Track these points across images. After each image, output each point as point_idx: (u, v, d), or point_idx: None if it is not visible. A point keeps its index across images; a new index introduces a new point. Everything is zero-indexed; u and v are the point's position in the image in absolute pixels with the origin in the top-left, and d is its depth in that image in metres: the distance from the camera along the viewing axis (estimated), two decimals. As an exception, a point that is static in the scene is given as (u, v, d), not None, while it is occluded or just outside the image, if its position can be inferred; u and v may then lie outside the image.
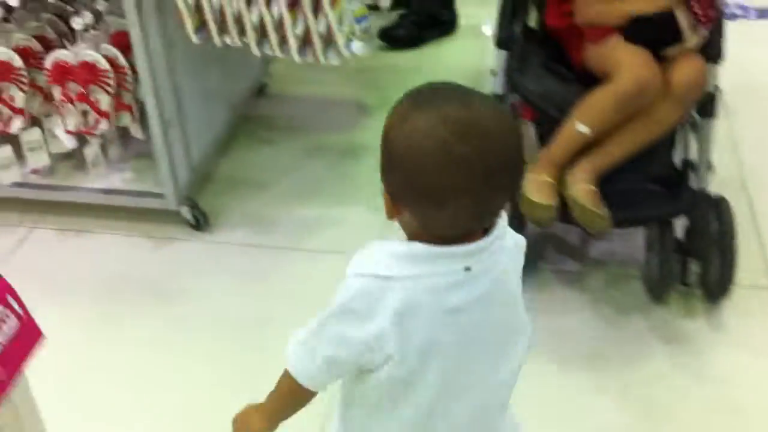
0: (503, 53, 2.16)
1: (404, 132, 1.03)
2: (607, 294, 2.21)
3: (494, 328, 1.13)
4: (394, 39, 3.34)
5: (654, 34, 1.99)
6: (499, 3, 2.22)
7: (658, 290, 2.11)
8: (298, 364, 1.16)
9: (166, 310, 2.21)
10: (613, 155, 1.99)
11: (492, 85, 2.19)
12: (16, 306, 1.13)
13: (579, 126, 1.96)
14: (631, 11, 2.00)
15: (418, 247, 1.06)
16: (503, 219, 1.10)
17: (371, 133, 2.86)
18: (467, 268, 1.06)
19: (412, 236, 1.09)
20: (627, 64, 1.95)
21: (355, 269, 1.08)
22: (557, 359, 2.03)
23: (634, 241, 2.26)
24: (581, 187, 1.97)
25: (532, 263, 2.22)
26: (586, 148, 1.99)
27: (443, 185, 1.01)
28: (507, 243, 1.11)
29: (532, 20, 2.32)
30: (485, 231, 1.08)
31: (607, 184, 2.00)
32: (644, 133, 1.97)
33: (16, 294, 1.15)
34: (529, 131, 2.17)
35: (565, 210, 2.01)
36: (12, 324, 1.13)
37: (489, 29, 2.47)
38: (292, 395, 1.20)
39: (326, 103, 3.06)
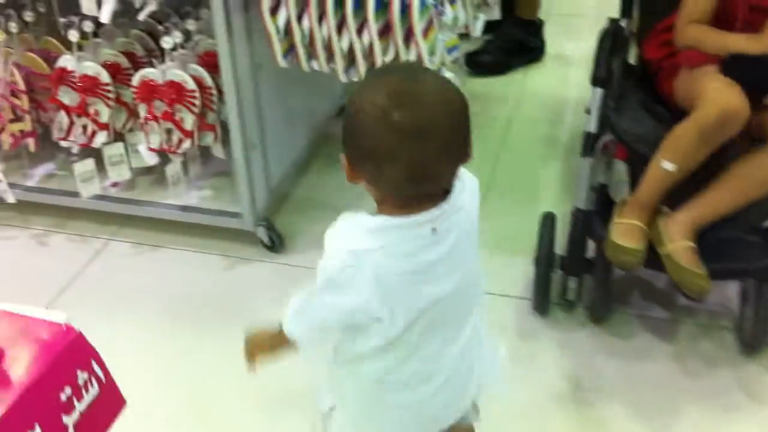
0: (599, 91, 2.09)
1: (356, 101, 1.17)
2: (695, 344, 2.11)
3: (465, 273, 1.27)
4: (480, 65, 3.28)
5: (756, 76, 1.87)
6: (597, 38, 2.15)
7: (751, 344, 2.01)
8: (295, 330, 1.34)
9: (235, 330, 2.17)
10: (715, 210, 1.89)
11: (585, 121, 2.12)
12: (100, 372, 1.09)
13: (664, 163, 1.87)
14: (732, 46, 1.88)
15: (385, 220, 1.20)
16: (461, 184, 1.23)
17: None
18: (433, 230, 1.20)
19: (378, 201, 1.23)
20: (712, 92, 1.82)
21: (332, 245, 1.22)
22: (631, 406, 1.95)
23: (727, 289, 2.18)
24: (679, 245, 1.87)
25: (614, 307, 2.19)
26: (684, 196, 1.91)
27: (380, 148, 1.14)
28: (464, 195, 1.24)
29: (632, 56, 2.24)
30: (446, 192, 1.21)
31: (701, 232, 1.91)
32: (751, 189, 1.88)
33: (101, 359, 1.13)
34: (622, 171, 2.11)
35: (652, 255, 1.92)
36: (94, 391, 1.10)
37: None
38: (287, 347, 1.39)
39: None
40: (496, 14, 2.53)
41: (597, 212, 2.05)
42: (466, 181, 1.25)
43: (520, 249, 2.39)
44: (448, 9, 2.08)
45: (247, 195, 2.31)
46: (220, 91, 2.23)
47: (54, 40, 2.36)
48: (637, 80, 2.16)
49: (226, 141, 2.33)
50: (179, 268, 2.41)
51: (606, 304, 2.16)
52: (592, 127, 2.09)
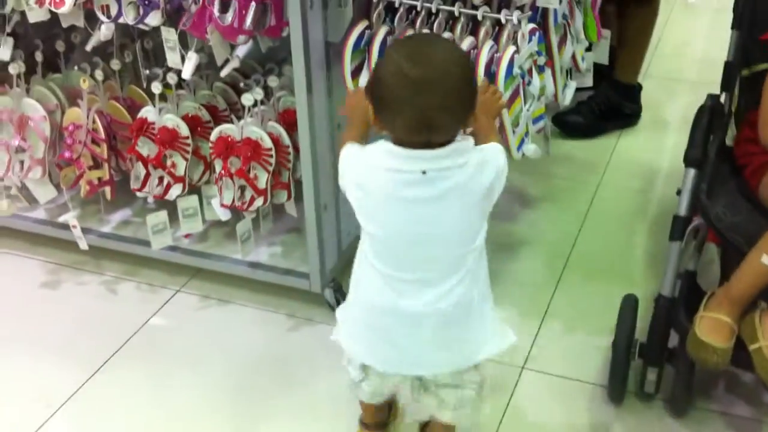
0: (692, 172, 1.99)
1: (383, 59, 1.52)
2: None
3: (448, 224, 1.51)
4: (569, 126, 3.12)
5: None
6: (695, 114, 2.06)
7: None
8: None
9: (294, 395, 2.13)
10: None
11: (677, 204, 2.02)
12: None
13: (765, 258, 1.75)
14: None
15: (393, 146, 1.48)
16: (465, 145, 1.49)
17: (532, 228, 2.76)
18: (423, 172, 1.46)
19: (393, 142, 1.49)
20: None
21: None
22: None
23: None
24: None
25: (695, 400, 2.04)
26: None
27: (394, 96, 1.44)
28: (469, 164, 1.48)
29: (730, 137, 2.13)
30: (442, 146, 1.46)
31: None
32: None
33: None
34: (714, 256, 2.02)
35: (739, 351, 1.79)
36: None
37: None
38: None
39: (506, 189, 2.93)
40: (588, 81, 2.45)
41: (683, 301, 1.92)
42: (488, 154, 1.52)
43: (598, 330, 2.28)
44: (535, 78, 2.02)
45: (317, 256, 2.26)
46: (297, 150, 2.19)
47: (139, 90, 2.38)
48: (733, 163, 2.04)
49: (299, 199, 2.29)
50: (245, 325, 2.37)
51: (687, 398, 2.01)
52: (683, 210, 1.99)
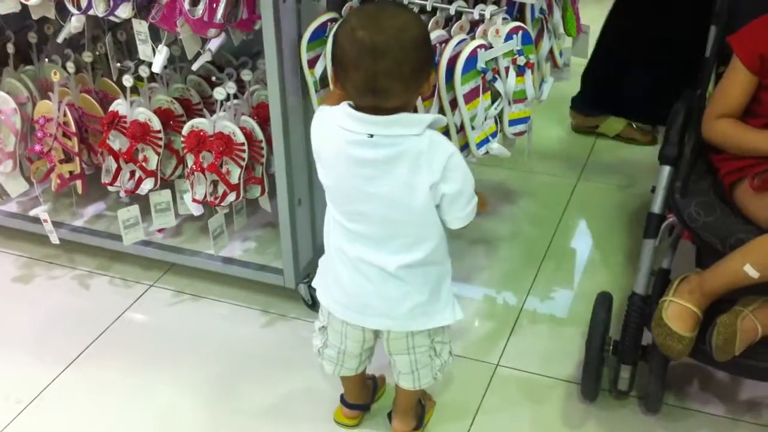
0: (667, 169, 1.97)
1: (341, 23, 1.60)
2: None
3: (388, 187, 1.57)
4: None
5: None
6: (671, 113, 2.04)
7: None
8: None
9: (272, 388, 2.12)
10: None
11: (651, 201, 2.00)
12: None
13: (749, 269, 1.73)
14: (763, 146, 1.82)
15: (349, 108, 1.56)
16: (420, 117, 1.56)
17: (510, 223, 2.71)
18: (370, 135, 1.53)
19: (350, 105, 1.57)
20: None
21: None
22: None
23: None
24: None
25: (669, 398, 2.03)
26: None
27: (345, 59, 1.51)
28: (422, 139, 1.54)
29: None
30: (391, 113, 1.53)
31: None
32: None
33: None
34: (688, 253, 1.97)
35: (700, 346, 1.79)
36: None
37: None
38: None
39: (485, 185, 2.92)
40: (566, 76, 2.43)
41: (656, 299, 1.90)
42: (437, 143, 1.56)
43: (574, 327, 2.27)
44: (511, 78, 1.99)
45: (290, 252, 2.24)
46: (270, 144, 2.17)
47: (111, 82, 2.35)
48: (709, 161, 2.02)
49: (273, 194, 2.27)
50: (218, 321, 2.35)
51: (660, 395, 2.00)
52: (657, 207, 1.97)
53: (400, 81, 1.50)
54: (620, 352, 1.97)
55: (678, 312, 1.80)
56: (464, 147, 2.06)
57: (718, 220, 1.84)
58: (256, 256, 2.39)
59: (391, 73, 1.49)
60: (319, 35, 2.01)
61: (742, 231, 1.80)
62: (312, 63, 2.03)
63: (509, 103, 2.03)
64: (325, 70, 2.03)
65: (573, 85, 2.56)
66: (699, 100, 2.03)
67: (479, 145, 2.02)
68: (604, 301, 2.01)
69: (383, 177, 1.57)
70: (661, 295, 1.87)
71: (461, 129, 2.02)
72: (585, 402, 2.05)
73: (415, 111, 1.66)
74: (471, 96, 1.95)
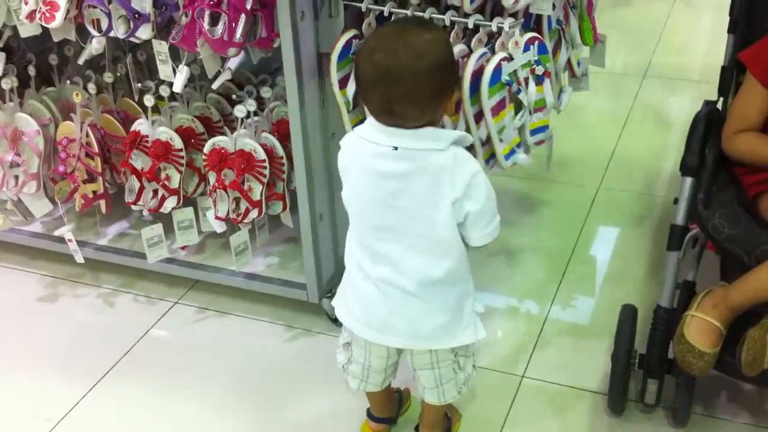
0: (689, 180, 1.94)
1: (363, 43, 1.67)
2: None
3: (411, 201, 1.57)
4: None
5: None
6: (691, 122, 2.01)
7: None
8: None
9: (296, 403, 2.12)
10: None
11: (673, 212, 1.96)
12: None
13: None
14: None
15: (375, 121, 1.56)
16: (444, 133, 1.56)
17: (531, 233, 2.70)
18: (395, 148, 1.54)
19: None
20: None
21: None
22: None
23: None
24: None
25: (697, 409, 2.00)
26: None
27: (364, 80, 1.52)
28: (446, 155, 1.54)
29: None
30: (416, 128, 1.53)
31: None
32: None
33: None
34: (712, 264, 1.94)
35: (726, 358, 1.75)
36: None
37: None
38: None
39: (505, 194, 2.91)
40: (585, 86, 2.42)
41: (682, 311, 1.86)
42: (461, 159, 1.55)
43: (599, 337, 2.26)
44: (532, 88, 1.99)
45: (313, 267, 2.25)
46: (291, 160, 2.18)
47: (132, 102, 2.37)
48: (732, 171, 1.98)
49: (294, 209, 2.28)
50: (243, 337, 2.36)
51: (688, 408, 1.98)
52: (680, 219, 1.94)
53: (415, 106, 1.51)
54: (646, 365, 1.94)
55: (700, 327, 1.76)
56: (489, 159, 2.06)
57: (742, 232, 1.81)
58: (279, 272, 2.40)
59: (405, 98, 1.50)
60: (346, 54, 2.01)
61: (767, 243, 1.78)
62: (343, 83, 2.02)
63: (530, 113, 2.02)
64: (357, 93, 2.02)
65: (590, 94, 2.54)
66: (719, 109, 2.02)
67: (507, 156, 2.03)
68: (628, 314, 1.99)
69: (406, 190, 1.57)
70: (686, 308, 1.84)
71: (486, 142, 2.02)
72: (612, 415, 2.03)
73: (442, 126, 1.65)
74: (498, 108, 1.96)
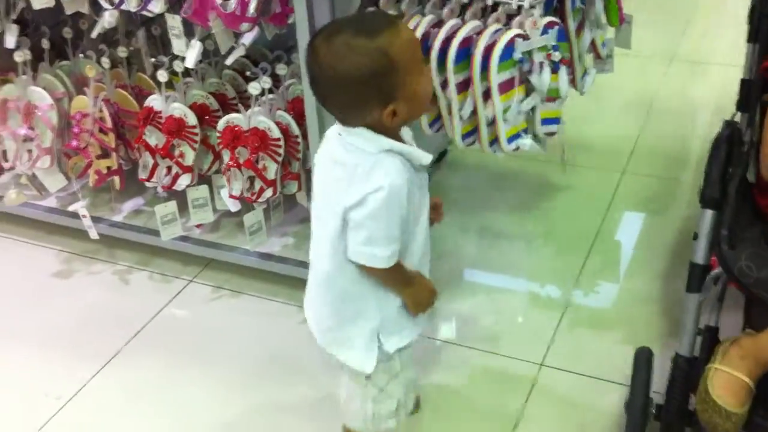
0: (709, 213, 1.69)
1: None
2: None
3: (330, 187, 1.52)
4: None
5: None
6: (711, 147, 1.79)
7: None
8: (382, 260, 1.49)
9: (308, 384, 2.09)
10: None
11: (693, 249, 1.73)
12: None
13: None
14: None
15: None
16: (374, 139, 1.43)
17: (553, 219, 2.66)
18: (339, 133, 1.48)
19: None
20: None
21: None
22: None
23: None
24: None
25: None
26: None
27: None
28: (369, 158, 1.44)
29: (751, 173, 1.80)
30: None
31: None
32: None
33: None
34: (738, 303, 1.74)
35: (754, 418, 1.56)
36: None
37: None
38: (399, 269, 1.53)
39: (505, 177, 2.85)
40: (610, 68, 2.35)
41: (704, 361, 1.68)
42: (378, 169, 1.43)
43: (619, 325, 2.21)
44: (545, 74, 1.92)
45: (329, 248, 2.21)
46: (306, 139, 2.14)
47: (146, 77, 2.33)
48: (755, 203, 1.75)
49: (309, 189, 2.24)
50: (257, 316, 2.33)
51: None
52: (700, 257, 1.70)
53: (335, 110, 1.47)
54: (665, 420, 1.74)
55: (727, 383, 1.57)
56: (493, 142, 2.01)
57: None
58: (294, 252, 2.36)
59: (324, 102, 1.47)
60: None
61: None
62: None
63: (542, 101, 1.96)
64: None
65: (615, 76, 2.47)
66: (740, 129, 1.80)
67: (510, 139, 1.96)
68: (643, 358, 1.82)
69: (326, 178, 1.54)
70: (709, 357, 1.66)
71: (492, 123, 1.97)
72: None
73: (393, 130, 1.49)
74: (506, 87, 1.89)
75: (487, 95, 1.92)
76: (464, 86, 1.92)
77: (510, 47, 1.87)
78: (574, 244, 2.53)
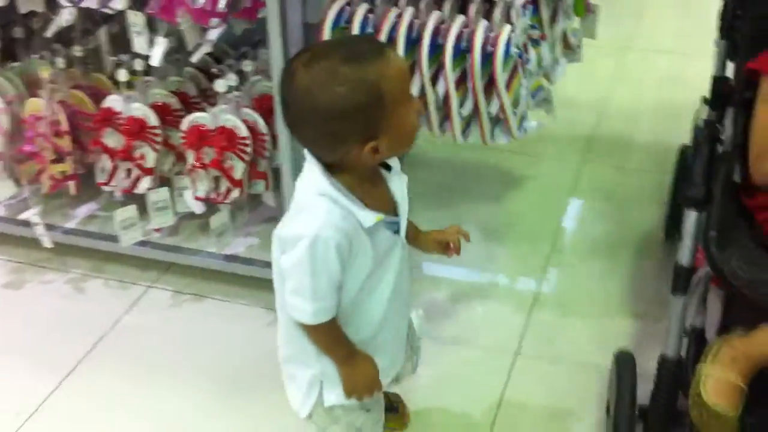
0: (694, 215, 1.67)
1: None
2: None
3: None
4: None
5: None
6: (693, 146, 1.84)
7: None
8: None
9: (278, 388, 1.99)
10: None
11: (678, 251, 1.71)
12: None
13: None
14: None
15: None
16: (318, 186, 1.31)
17: (519, 208, 2.67)
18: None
19: None
20: None
21: None
22: None
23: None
24: None
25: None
26: None
27: None
28: (308, 197, 1.34)
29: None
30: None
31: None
32: None
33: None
34: (714, 301, 1.72)
35: (750, 420, 1.53)
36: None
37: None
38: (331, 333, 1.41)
39: (468, 170, 2.85)
40: (579, 58, 2.37)
41: (692, 363, 1.66)
42: (305, 214, 1.33)
43: (590, 310, 2.24)
44: (531, 53, 1.93)
45: (297, 248, 2.16)
46: (273, 137, 2.09)
47: (103, 77, 2.25)
48: (740, 203, 1.72)
49: (276, 188, 2.20)
50: (221, 321, 2.27)
51: None
52: (685, 259, 1.69)
53: (307, 141, 1.33)
54: (652, 421, 1.72)
55: (720, 386, 1.54)
56: (494, 128, 2.01)
57: (764, 276, 1.55)
58: (260, 253, 2.30)
59: (293, 130, 1.34)
60: (337, 23, 1.93)
61: None
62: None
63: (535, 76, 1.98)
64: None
65: (571, 68, 2.50)
66: (734, 133, 1.77)
67: (519, 127, 1.97)
68: (627, 364, 1.80)
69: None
70: (697, 359, 1.62)
71: (496, 117, 1.97)
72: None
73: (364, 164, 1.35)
74: (511, 80, 1.90)
75: (488, 89, 1.91)
76: (461, 81, 1.90)
77: (508, 45, 1.87)
78: (539, 234, 2.57)
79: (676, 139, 2.52)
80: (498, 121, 1.99)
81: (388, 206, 1.39)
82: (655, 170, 2.78)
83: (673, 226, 2.41)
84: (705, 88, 1.95)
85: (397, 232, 1.40)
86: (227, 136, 2.04)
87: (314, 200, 1.31)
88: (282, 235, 1.36)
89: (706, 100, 2.00)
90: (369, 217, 1.32)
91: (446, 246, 1.58)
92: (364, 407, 1.53)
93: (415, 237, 1.59)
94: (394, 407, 1.88)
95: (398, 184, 1.40)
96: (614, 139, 3.01)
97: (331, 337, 1.41)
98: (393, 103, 1.25)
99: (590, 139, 3.01)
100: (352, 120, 1.25)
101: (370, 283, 1.39)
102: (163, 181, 2.28)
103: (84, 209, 2.48)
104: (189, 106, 2.22)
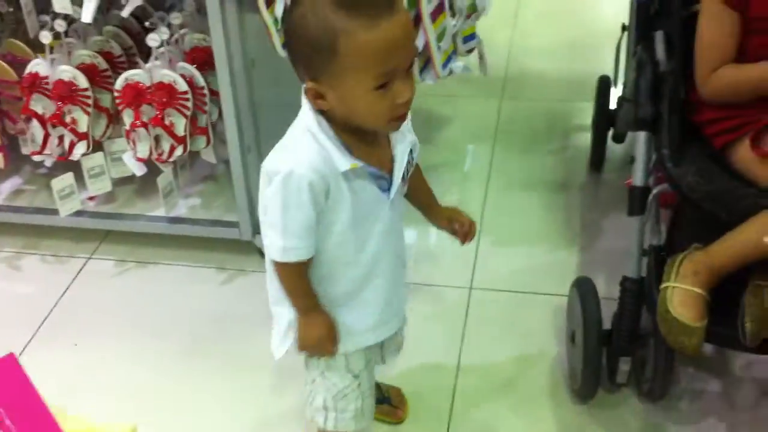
0: (644, 135, 1.70)
1: None
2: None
3: None
4: None
5: None
6: (636, 68, 1.81)
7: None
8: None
9: (235, 348, 2.01)
10: None
11: (632, 173, 1.73)
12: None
13: None
14: None
15: None
16: (304, 114, 1.29)
17: (447, 148, 2.66)
18: None
19: None
20: None
21: None
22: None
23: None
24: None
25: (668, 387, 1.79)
26: None
27: None
28: (296, 125, 1.31)
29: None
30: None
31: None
32: None
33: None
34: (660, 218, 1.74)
35: (716, 328, 1.55)
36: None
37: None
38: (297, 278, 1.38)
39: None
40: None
41: (654, 282, 1.66)
42: (289, 143, 1.31)
43: (535, 240, 2.28)
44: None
45: (245, 202, 2.12)
46: (212, 91, 2.03)
47: (19, 43, 2.13)
48: (688, 120, 1.74)
49: (215, 144, 2.14)
50: (170, 285, 2.22)
51: (667, 386, 1.79)
52: (639, 179, 1.71)
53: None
54: (617, 344, 1.75)
55: (685, 299, 1.56)
56: (422, 70, 2.00)
57: (721, 188, 1.60)
58: (204, 212, 2.26)
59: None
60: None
61: (749, 197, 1.57)
62: (269, 1, 1.89)
63: (464, 19, 1.97)
64: (285, 9, 1.88)
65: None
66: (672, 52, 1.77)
67: (444, 65, 1.97)
68: (588, 289, 1.80)
69: None
70: (659, 277, 1.64)
71: (421, 52, 1.96)
72: (579, 403, 1.85)
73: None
74: (436, 13, 1.88)
75: (416, 23, 1.89)
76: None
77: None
78: (473, 171, 2.59)
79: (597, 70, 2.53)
80: (427, 62, 1.99)
81: (387, 166, 1.36)
82: (576, 99, 2.84)
83: (597, 155, 2.50)
84: (619, 18, 1.97)
85: (386, 191, 1.37)
86: (167, 91, 1.97)
87: (298, 135, 1.29)
88: (264, 167, 1.32)
89: (625, 27, 2.06)
90: (343, 162, 1.28)
91: (454, 229, 1.58)
92: (349, 369, 1.51)
93: (428, 206, 1.57)
94: (385, 398, 1.83)
95: (401, 146, 1.37)
96: (531, 73, 3.05)
97: (295, 282, 1.38)
98: (346, 66, 1.20)
99: (506, 79, 3.04)
100: (301, 45, 1.24)
101: (352, 237, 1.36)
102: (96, 147, 2.19)
103: (8, 185, 2.36)
104: (115, 66, 2.13)
